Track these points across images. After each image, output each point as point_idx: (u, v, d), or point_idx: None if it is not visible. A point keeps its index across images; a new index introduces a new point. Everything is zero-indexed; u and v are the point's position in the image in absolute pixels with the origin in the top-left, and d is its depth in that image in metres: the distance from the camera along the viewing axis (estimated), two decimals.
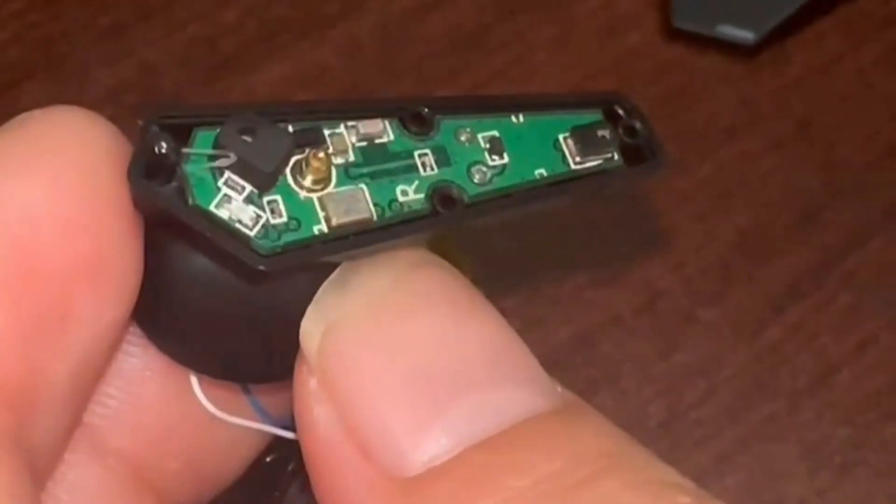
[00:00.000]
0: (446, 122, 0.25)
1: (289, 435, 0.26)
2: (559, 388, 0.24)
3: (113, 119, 0.42)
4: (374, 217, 0.24)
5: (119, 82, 0.44)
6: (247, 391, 0.27)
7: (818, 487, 0.40)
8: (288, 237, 0.24)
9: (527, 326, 0.41)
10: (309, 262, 0.24)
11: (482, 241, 0.40)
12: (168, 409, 0.27)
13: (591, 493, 0.22)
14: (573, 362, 0.42)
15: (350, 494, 0.23)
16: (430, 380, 0.23)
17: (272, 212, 0.24)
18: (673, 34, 0.46)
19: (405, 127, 0.25)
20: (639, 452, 0.23)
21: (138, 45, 0.44)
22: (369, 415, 0.23)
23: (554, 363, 0.40)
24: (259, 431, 0.27)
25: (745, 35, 0.44)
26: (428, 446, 0.23)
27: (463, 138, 0.25)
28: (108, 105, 0.43)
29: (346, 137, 0.25)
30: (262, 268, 0.23)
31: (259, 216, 0.24)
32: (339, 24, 0.45)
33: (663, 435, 0.41)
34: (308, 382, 0.24)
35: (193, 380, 0.26)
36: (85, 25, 0.44)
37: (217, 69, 0.44)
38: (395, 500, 0.23)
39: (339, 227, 0.24)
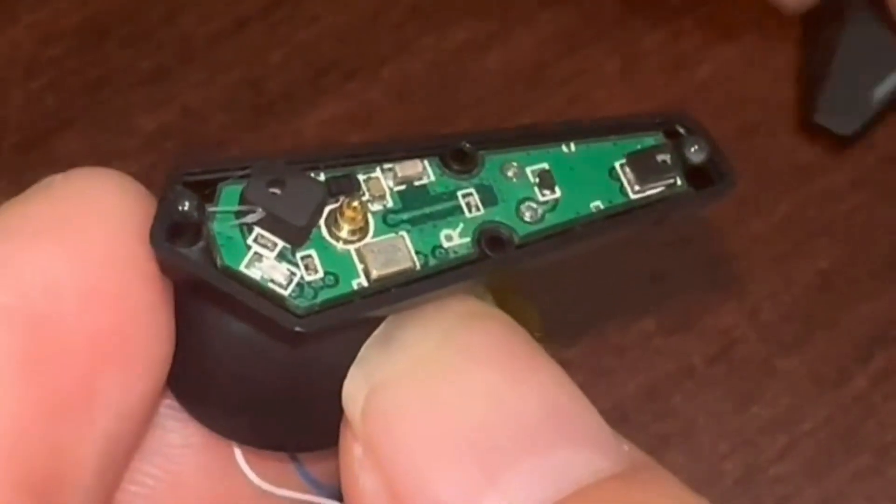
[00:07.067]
0: (491, 158, 0.25)
1: None
2: (626, 447, 0.24)
3: (155, 166, 0.42)
4: (418, 266, 0.24)
5: (161, 128, 0.44)
6: (295, 460, 0.27)
7: None
8: (325, 294, 0.23)
9: (591, 379, 0.41)
10: (349, 319, 0.23)
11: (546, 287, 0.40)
12: (211, 484, 0.26)
13: None
14: (642, 417, 0.41)
15: None
16: (483, 444, 0.23)
17: (307, 268, 0.23)
18: (747, 64, 0.45)
19: (446, 166, 0.25)
20: None
21: (181, 89, 0.45)
22: (417, 484, 0.23)
23: (621, 418, 0.40)
24: None
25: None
26: None
27: (510, 174, 0.25)
28: (151, 152, 0.44)
29: (383, 182, 0.24)
30: (299, 329, 0.23)
31: (293, 273, 0.23)
32: (390, 63, 0.45)
33: (740, 493, 0.40)
34: (353, 449, 0.23)
35: (237, 452, 0.26)
36: (125, 70, 0.45)
37: (263, 112, 0.45)
38: None
39: (380, 279, 0.24)
